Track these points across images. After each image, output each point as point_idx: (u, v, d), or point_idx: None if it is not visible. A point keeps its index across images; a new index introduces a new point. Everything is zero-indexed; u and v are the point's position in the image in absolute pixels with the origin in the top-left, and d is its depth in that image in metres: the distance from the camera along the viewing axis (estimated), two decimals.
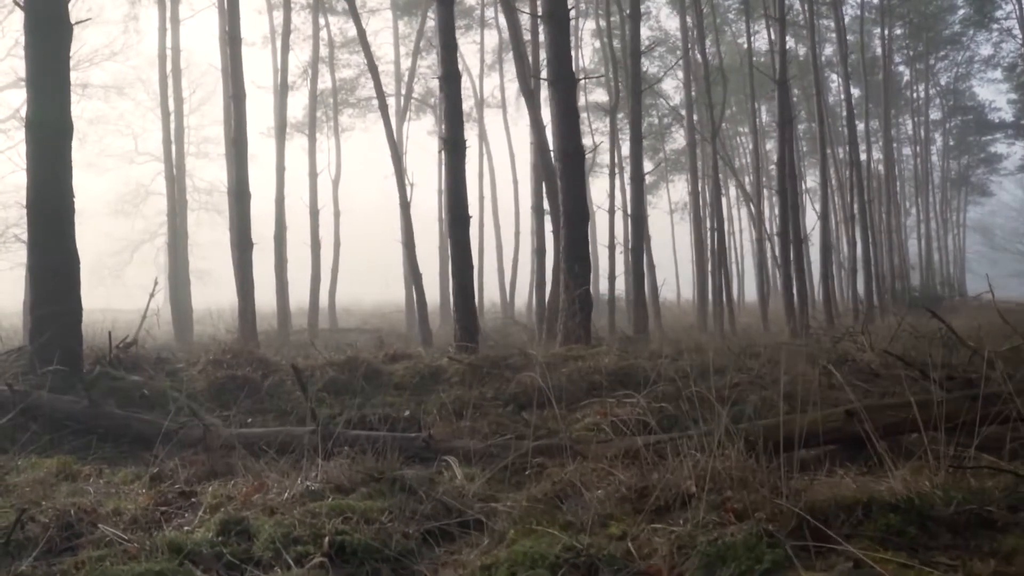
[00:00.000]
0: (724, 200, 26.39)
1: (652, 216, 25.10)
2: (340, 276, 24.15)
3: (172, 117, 18.28)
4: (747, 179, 33.53)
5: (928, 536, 2.37)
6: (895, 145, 36.50)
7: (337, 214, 23.76)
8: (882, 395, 6.87)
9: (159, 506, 3.05)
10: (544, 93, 18.36)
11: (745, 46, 32.88)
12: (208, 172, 31.05)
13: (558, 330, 13.96)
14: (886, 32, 31.26)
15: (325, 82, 24.72)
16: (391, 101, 23.87)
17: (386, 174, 30.94)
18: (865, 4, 30.44)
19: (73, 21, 6.85)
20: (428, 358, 7.49)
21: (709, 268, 22.83)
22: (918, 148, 39.64)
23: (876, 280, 25.06)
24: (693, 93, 23.93)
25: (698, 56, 22.43)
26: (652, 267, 22.09)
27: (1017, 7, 29.86)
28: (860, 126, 27.16)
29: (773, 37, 25.58)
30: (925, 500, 2.57)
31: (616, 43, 20.86)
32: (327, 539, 2.45)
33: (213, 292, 27.89)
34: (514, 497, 3.43)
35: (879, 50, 32.26)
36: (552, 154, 9.33)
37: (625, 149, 25.47)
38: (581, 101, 30.64)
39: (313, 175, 21.55)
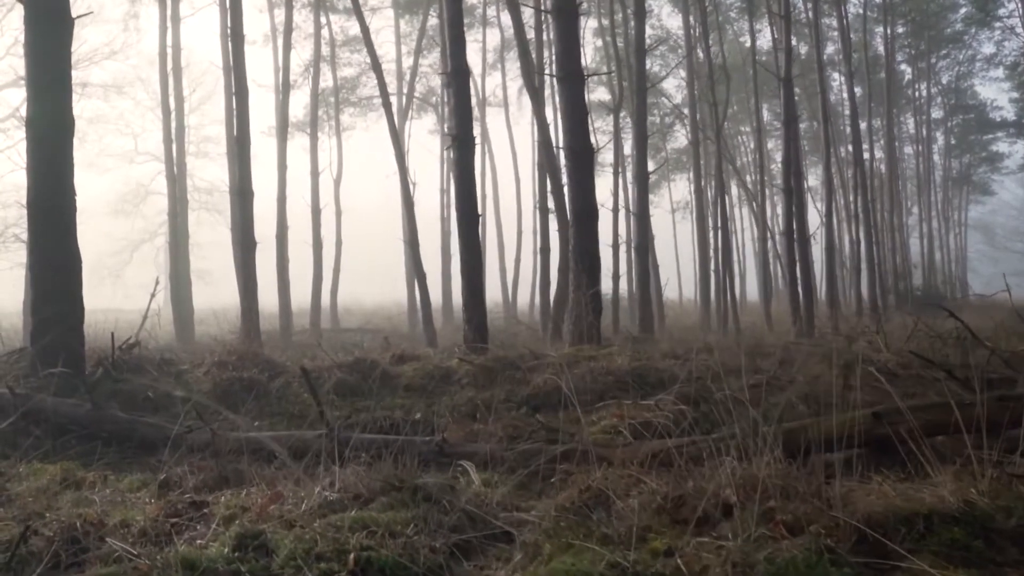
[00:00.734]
0: (727, 199, 26.20)
1: (653, 215, 24.94)
2: (340, 276, 24.02)
3: (173, 116, 18.11)
4: (748, 178, 33.40)
5: (995, 551, 2.23)
6: (896, 144, 36.37)
7: (339, 213, 23.61)
8: (902, 396, 6.73)
9: (169, 517, 2.90)
10: (547, 91, 18.23)
11: (747, 44, 32.84)
12: (208, 172, 30.89)
13: (566, 330, 13.83)
14: (888, 31, 31.13)
15: (326, 81, 24.59)
16: (392, 100, 23.70)
17: (387, 173, 30.77)
18: (868, 3, 30.31)
19: (74, 16, 6.68)
20: (437, 359, 7.35)
21: (712, 267, 22.70)
22: (920, 147, 39.52)
23: (879, 279, 24.94)
24: (696, 91, 23.78)
25: (700, 54, 22.31)
26: (656, 266, 21.94)
27: (1020, 5, 29.74)
28: (862, 125, 27.00)
29: (776, 35, 25.50)
30: (982, 511, 2.43)
31: (619, 41, 20.71)
32: (352, 555, 2.30)
33: (214, 292, 27.79)
34: (540, 506, 3.28)
35: (881, 48, 32.14)
36: (561, 151, 9.17)
37: (627, 148, 25.36)
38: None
39: (315, 174, 21.40)
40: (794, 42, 27.79)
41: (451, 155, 27.40)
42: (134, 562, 2.42)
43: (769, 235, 26.80)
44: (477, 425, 5.58)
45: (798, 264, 17.93)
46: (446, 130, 26.82)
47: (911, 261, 35.15)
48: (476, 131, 21.62)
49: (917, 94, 38.40)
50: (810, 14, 23.72)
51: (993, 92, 78.32)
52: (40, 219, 6.21)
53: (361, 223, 29.31)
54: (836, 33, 28.86)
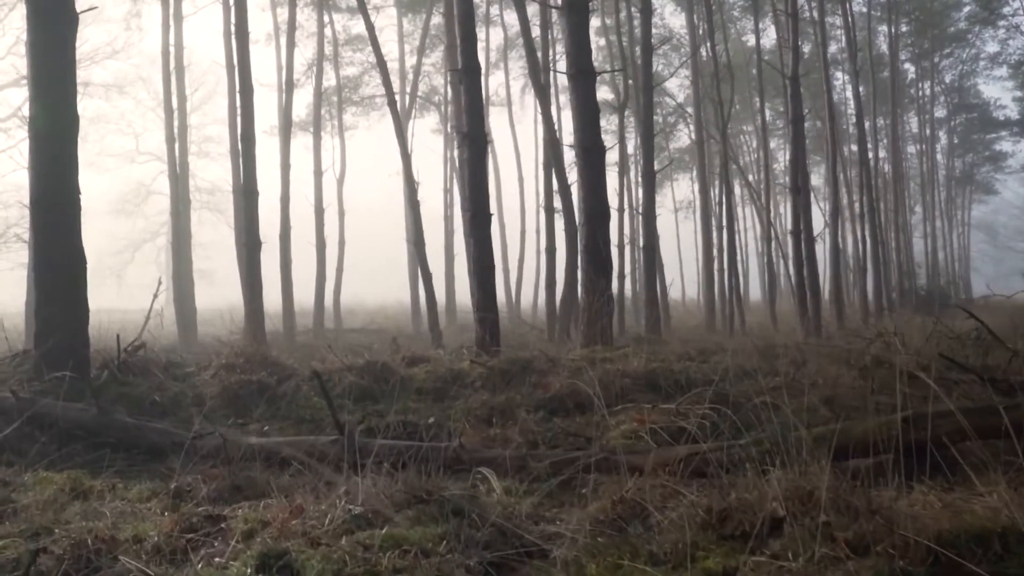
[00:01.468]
0: (732, 198, 26.01)
1: (657, 215, 24.75)
2: (343, 276, 23.85)
3: (176, 115, 17.94)
4: (750, 177, 33.22)
5: None
6: (899, 143, 36.22)
7: (342, 213, 23.45)
8: (923, 400, 6.58)
9: (184, 532, 2.75)
10: (551, 90, 18.08)
11: (750, 43, 32.67)
12: (210, 171, 30.71)
13: (578, 331, 13.67)
14: (892, 29, 30.98)
15: (329, 80, 24.43)
16: (395, 99, 23.55)
17: (390, 173, 30.66)
18: (872, 1, 30.13)
19: (78, 11, 6.53)
20: (448, 361, 7.20)
21: (716, 267, 22.56)
22: (923, 146, 39.37)
23: (884, 279, 24.80)
24: (700, 90, 23.61)
25: (704, 53, 22.16)
26: (661, 266, 21.78)
27: None
28: (866, 124, 26.83)
29: (781, 34, 25.32)
30: None
31: (623, 40, 20.54)
32: None
33: (215, 292, 27.64)
34: (571, 518, 3.13)
35: (884, 47, 31.99)
36: (572, 149, 9.02)
37: (629, 148, 25.21)
38: None
39: (318, 173, 21.24)
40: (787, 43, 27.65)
41: (451, 154, 27.29)
42: None
43: (774, 235, 26.66)
44: (493, 430, 5.43)
45: (805, 264, 17.79)
46: (449, 129, 26.68)
47: (915, 261, 35.02)
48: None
49: (920, 93, 38.25)
50: (814, 13, 23.56)
51: (996, 91, 78.04)
52: (43, 218, 6.06)
53: (363, 223, 29.16)
54: (839, 32, 28.69)
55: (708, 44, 21.39)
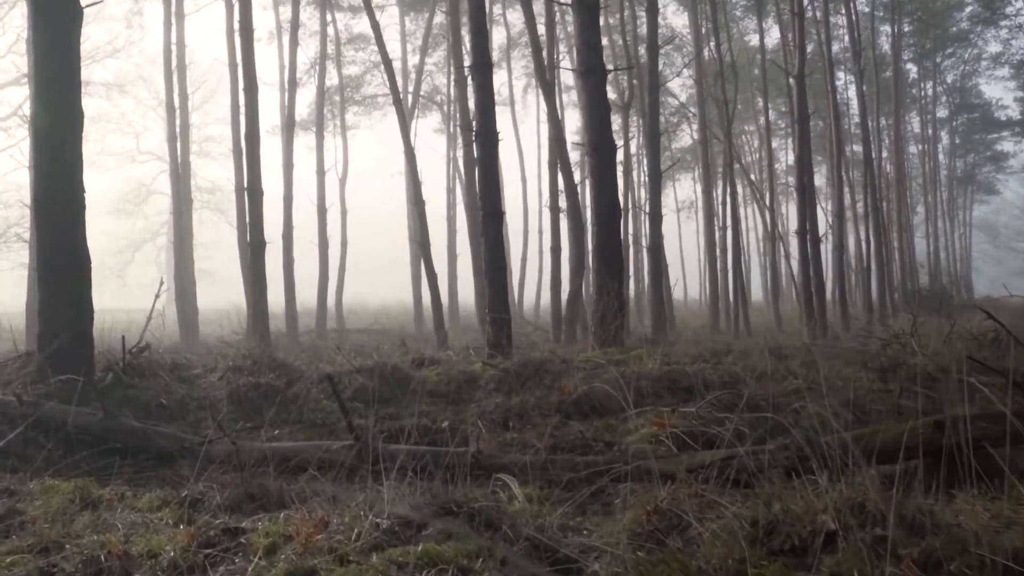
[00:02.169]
0: (737, 198, 25.87)
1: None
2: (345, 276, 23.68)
3: (177, 113, 17.78)
4: (753, 177, 33.10)
5: None
6: (902, 143, 36.11)
7: (344, 213, 23.29)
8: (945, 403, 6.44)
9: (201, 547, 2.61)
10: (556, 88, 17.91)
11: (752, 43, 32.56)
12: (210, 171, 30.59)
13: (583, 331, 13.52)
14: (895, 29, 30.87)
15: (331, 79, 24.29)
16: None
17: (392, 172, 30.53)
18: (875, 2, 30.01)
19: (83, 5, 6.38)
20: (460, 363, 7.06)
21: (719, 267, 22.44)
22: (926, 146, 39.28)
23: (887, 279, 24.69)
24: (704, 90, 23.48)
25: (707, 53, 22.03)
26: (666, 266, 21.66)
27: None
28: (869, 124, 26.71)
29: (784, 33, 25.19)
30: None
31: (627, 39, 20.40)
32: None
33: (214, 292, 27.48)
34: (605, 529, 3.00)
35: (886, 47, 31.88)
36: (580, 148, 8.87)
37: (632, 147, 25.05)
38: None
39: (321, 173, 21.09)
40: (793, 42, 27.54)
41: (454, 153, 27.12)
42: None
43: (778, 235, 26.54)
44: (510, 434, 5.30)
45: (811, 264, 17.67)
46: (452, 129, 26.53)
47: (917, 261, 34.93)
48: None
49: (922, 93, 38.15)
50: (817, 13, 23.43)
51: (998, 91, 77.83)
52: (47, 217, 5.91)
53: (364, 223, 29.02)
54: (842, 31, 28.55)
55: (712, 43, 21.27)
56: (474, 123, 11.90)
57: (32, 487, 3.65)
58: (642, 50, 21.30)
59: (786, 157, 38.22)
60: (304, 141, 24.32)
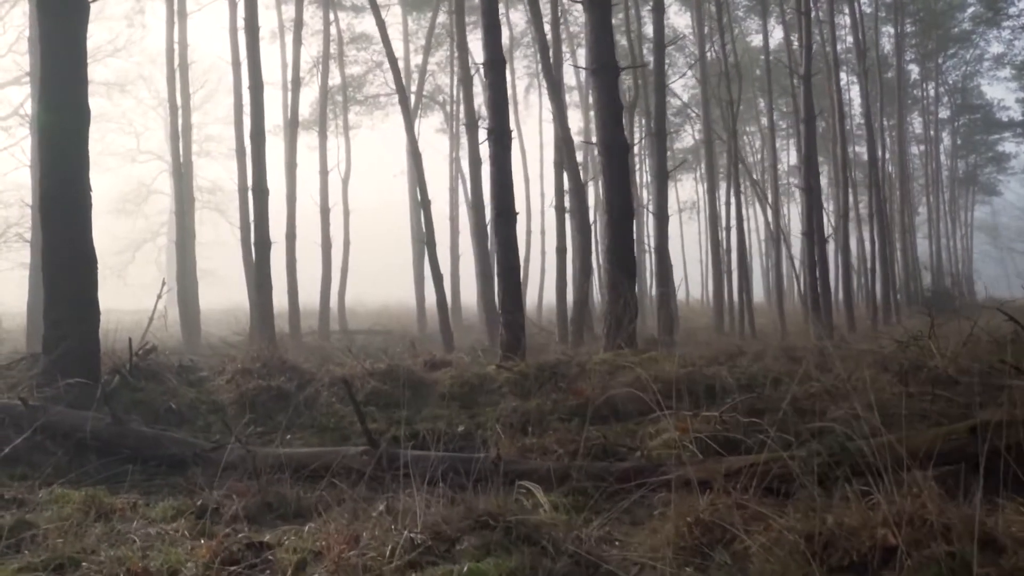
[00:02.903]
0: (741, 199, 25.71)
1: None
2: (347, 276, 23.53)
3: (180, 112, 17.63)
4: (755, 177, 32.99)
5: None
6: (904, 144, 36.01)
7: (347, 213, 23.15)
8: (967, 406, 6.32)
9: (224, 564, 2.47)
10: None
11: (753, 44, 32.46)
12: (210, 171, 30.45)
13: (589, 332, 13.39)
14: (898, 29, 30.78)
15: (333, 79, 24.16)
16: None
17: (395, 172, 30.36)
18: (878, 2, 29.93)
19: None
20: (472, 365, 6.92)
21: (723, 268, 22.33)
22: (928, 147, 39.19)
23: (891, 280, 24.59)
24: (707, 90, 23.36)
25: (711, 53, 21.92)
26: (670, 267, 21.53)
27: None
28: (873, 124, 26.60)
29: (788, 33, 25.08)
30: None
31: (631, 38, 20.30)
32: None
33: (215, 292, 27.32)
34: (643, 541, 2.86)
35: (887, 48, 31.79)
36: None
37: (635, 148, 24.87)
38: (591, 99, 30.12)
39: (324, 172, 20.94)
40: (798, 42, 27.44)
41: (456, 154, 26.98)
42: None
43: (782, 236, 26.41)
44: (528, 439, 5.16)
45: (818, 265, 17.56)
46: (455, 129, 26.40)
47: (920, 262, 34.83)
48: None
49: (924, 94, 38.05)
50: (820, 13, 23.31)
51: (1000, 92, 77.76)
52: (53, 216, 5.77)
53: (364, 223, 28.88)
54: (843, 32, 28.44)
55: (715, 43, 21.15)
56: (480, 121, 11.76)
57: (41, 496, 3.51)
58: (646, 49, 21.21)
59: (786, 158, 38.13)
60: (305, 141, 24.18)
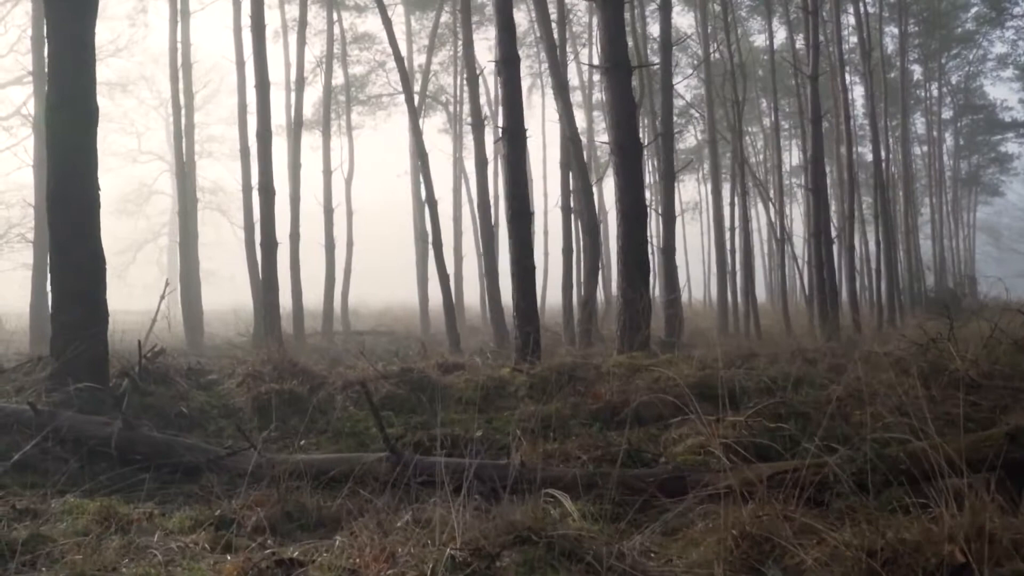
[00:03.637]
0: (747, 200, 25.61)
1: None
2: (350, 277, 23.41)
3: (183, 112, 17.49)
4: (759, 178, 32.88)
5: None
6: (908, 145, 35.90)
7: (350, 213, 23.01)
8: (992, 409, 6.21)
9: None
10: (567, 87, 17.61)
11: (756, 44, 32.34)
12: (212, 171, 30.35)
13: (596, 333, 13.27)
14: (902, 29, 30.67)
15: (337, 78, 24.02)
16: (403, 99, 23.15)
17: (398, 173, 30.24)
18: (882, 2, 29.81)
19: None
20: (487, 368, 6.80)
21: (728, 268, 22.21)
22: (931, 148, 39.10)
23: (896, 281, 24.47)
24: (712, 90, 23.24)
25: (716, 53, 21.81)
26: (676, 268, 21.41)
27: None
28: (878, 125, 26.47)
29: (790, 33, 24.98)
30: None
31: (636, 37, 20.15)
32: None
33: (216, 293, 27.19)
34: (685, 555, 2.73)
35: (890, 48, 31.68)
36: (610, 147, 8.62)
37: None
38: (595, 99, 29.99)
39: (327, 172, 20.81)
40: (807, 40, 27.33)
41: (460, 154, 26.86)
42: None
43: (787, 236, 26.30)
44: (549, 445, 5.04)
45: (825, 266, 17.44)
46: (459, 129, 26.29)
47: (924, 262, 34.72)
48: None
49: (927, 94, 37.96)
50: (824, 13, 23.18)
51: (1003, 92, 77.63)
52: (62, 215, 5.64)
53: (366, 223, 28.77)
54: (847, 32, 28.32)
55: (719, 42, 21.04)
56: (486, 121, 11.61)
57: (54, 506, 3.39)
58: (650, 50, 21.08)
59: (788, 159, 38.04)
60: (307, 141, 24.05)
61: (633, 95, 8.73)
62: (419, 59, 26.26)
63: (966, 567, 2.21)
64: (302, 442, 5.07)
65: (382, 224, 36.51)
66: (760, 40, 32.30)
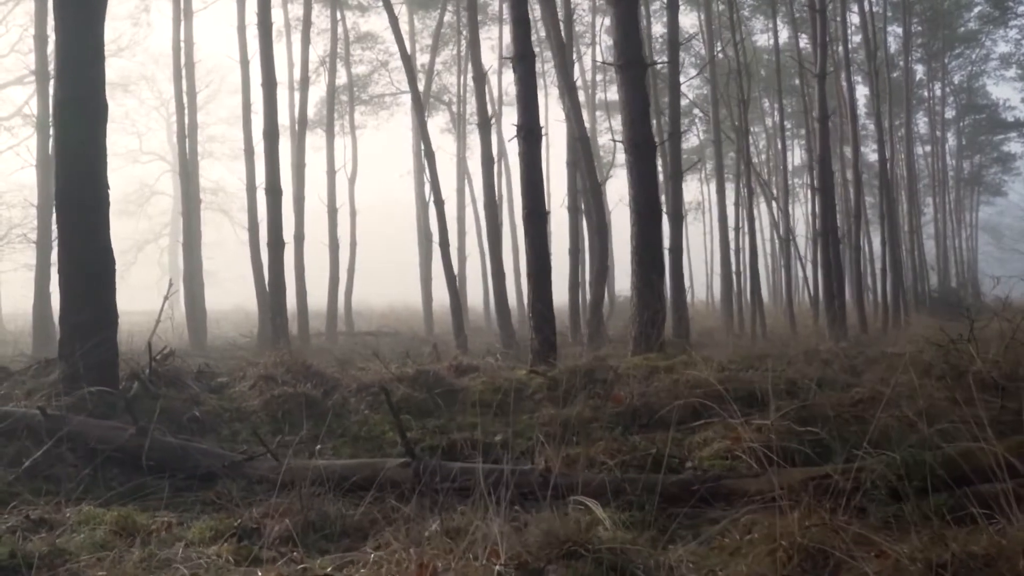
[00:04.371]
0: (752, 200, 25.51)
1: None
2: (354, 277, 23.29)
3: (186, 112, 17.36)
4: (763, 177, 32.76)
5: None
6: (912, 144, 35.77)
7: (354, 213, 22.90)
8: (1017, 412, 6.08)
9: None
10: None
11: (759, 43, 32.22)
12: (213, 171, 30.22)
13: (602, 334, 13.15)
14: (906, 29, 30.57)
15: (340, 78, 23.91)
16: (405, 98, 23.06)
17: (401, 172, 30.11)
18: (886, 2, 29.70)
19: None
20: (503, 370, 6.67)
21: (733, 269, 22.13)
22: (934, 147, 39.00)
23: (901, 281, 24.38)
24: (716, 89, 23.14)
25: (720, 53, 21.70)
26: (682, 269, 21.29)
27: None
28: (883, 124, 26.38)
29: (795, 31, 24.86)
30: None
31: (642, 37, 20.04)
32: None
33: (217, 293, 27.07)
34: (731, 567, 2.61)
35: (893, 47, 31.59)
36: (623, 145, 8.50)
37: None
38: (598, 99, 29.86)
39: (331, 172, 20.69)
40: (807, 41, 27.24)
41: (463, 154, 26.71)
42: None
43: (792, 236, 26.20)
44: (571, 449, 4.91)
45: (832, 267, 17.34)
46: (464, 129, 26.14)
47: (927, 262, 34.61)
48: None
49: (930, 94, 37.86)
50: (828, 12, 23.05)
51: (1006, 92, 77.46)
52: (71, 216, 5.51)
53: (369, 223, 28.65)
54: (850, 31, 28.19)
55: (724, 41, 20.93)
56: (492, 119, 11.51)
57: (69, 516, 3.26)
58: (654, 48, 20.99)
59: (791, 159, 37.93)
60: (310, 141, 23.91)
61: (647, 93, 8.61)
62: (421, 59, 26.16)
63: None
64: (318, 447, 4.95)
65: (383, 224, 36.37)
66: (763, 39, 32.24)
